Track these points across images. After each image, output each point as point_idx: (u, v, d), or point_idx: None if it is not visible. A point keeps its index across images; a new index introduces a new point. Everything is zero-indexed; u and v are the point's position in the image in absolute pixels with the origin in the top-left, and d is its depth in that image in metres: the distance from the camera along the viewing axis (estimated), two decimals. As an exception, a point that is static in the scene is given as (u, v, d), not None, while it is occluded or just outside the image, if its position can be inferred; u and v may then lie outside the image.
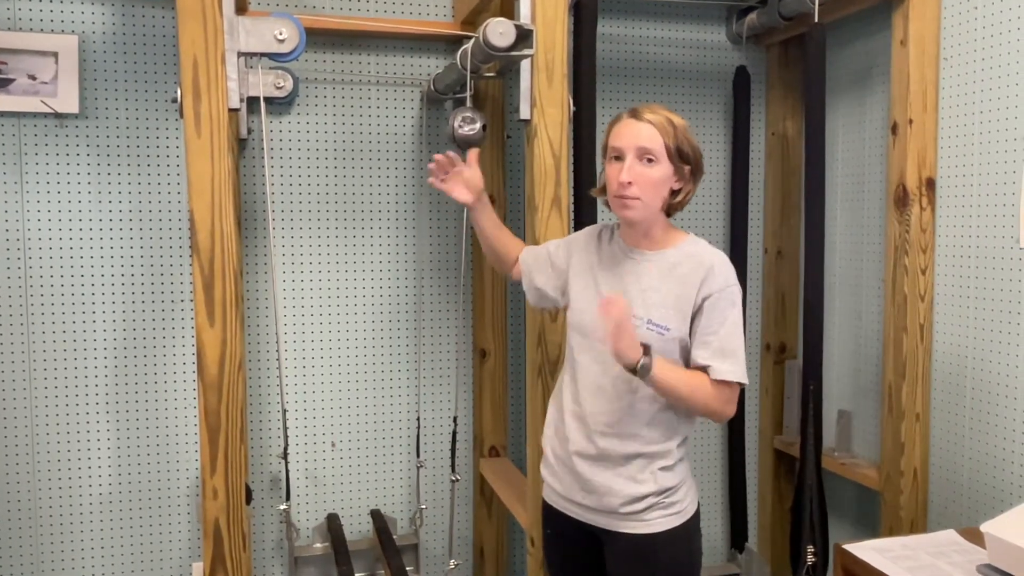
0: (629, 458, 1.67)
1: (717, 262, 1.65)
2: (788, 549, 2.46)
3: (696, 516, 1.74)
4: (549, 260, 1.87)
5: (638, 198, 1.62)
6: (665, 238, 1.71)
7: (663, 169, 1.63)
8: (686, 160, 1.65)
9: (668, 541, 1.69)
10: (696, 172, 1.68)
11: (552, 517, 1.84)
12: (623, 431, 1.67)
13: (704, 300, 1.63)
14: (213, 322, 1.78)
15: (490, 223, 1.97)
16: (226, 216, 1.78)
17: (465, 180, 1.91)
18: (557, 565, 1.88)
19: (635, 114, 1.64)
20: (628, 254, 1.73)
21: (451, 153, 1.90)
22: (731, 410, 1.66)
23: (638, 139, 1.61)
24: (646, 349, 1.55)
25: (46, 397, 2.39)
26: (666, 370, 1.58)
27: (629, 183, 1.61)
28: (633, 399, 1.66)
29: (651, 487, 1.67)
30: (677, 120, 1.64)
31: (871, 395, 2.59)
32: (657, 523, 1.68)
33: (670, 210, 1.70)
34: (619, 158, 1.64)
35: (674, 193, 1.67)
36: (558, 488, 1.79)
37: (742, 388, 1.68)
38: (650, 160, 1.61)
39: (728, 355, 1.62)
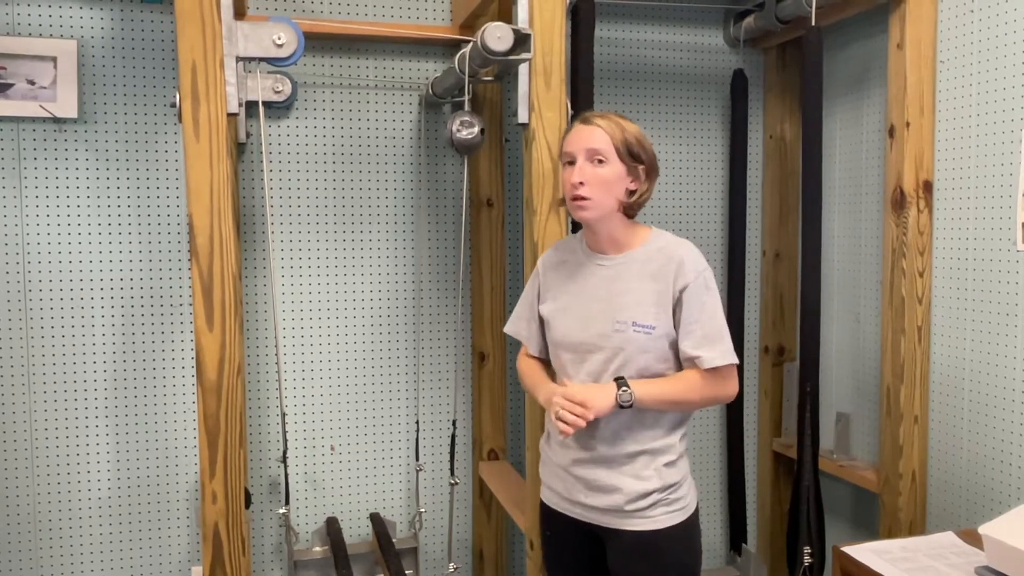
0: (632, 456, 1.69)
1: (685, 253, 1.70)
2: (786, 551, 2.47)
3: (697, 512, 1.77)
4: (530, 308, 1.89)
5: (590, 198, 1.67)
6: (629, 238, 1.75)
7: (614, 169, 1.67)
8: (638, 159, 1.69)
9: (672, 537, 1.71)
10: (651, 172, 1.73)
11: (551, 519, 1.84)
12: (622, 432, 1.69)
13: (681, 292, 1.67)
14: (212, 326, 1.79)
15: None
16: (225, 220, 1.78)
17: None
18: (557, 566, 1.89)
19: (585, 120, 1.71)
20: (597, 261, 1.76)
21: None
22: (733, 389, 1.71)
23: (587, 141, 1.68)
24: (618, 382, 1.64)
25: (45, 401, 2.39)
26: (649, 388, 1.65)
27: (581, 183, 1.66)
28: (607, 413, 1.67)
29: (656, 483, 1.69)
30: (627, 124, 1.70)
31: (869, 397, 2.60)
32: (661, 519, 1.70)
33: (628, 210, 1.74)
34: (572, 162, 1.70)
35: (630, 193, 1.71)
36: (559, 489, 1.80)
37: (740, 380, 1.73)
38: (600, 160, 1.67)
39: (714, 340, 1.66)
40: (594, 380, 1.70)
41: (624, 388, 1.63)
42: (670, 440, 1.71)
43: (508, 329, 1.94)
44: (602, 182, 1.67)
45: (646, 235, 1.75)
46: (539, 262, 1.90)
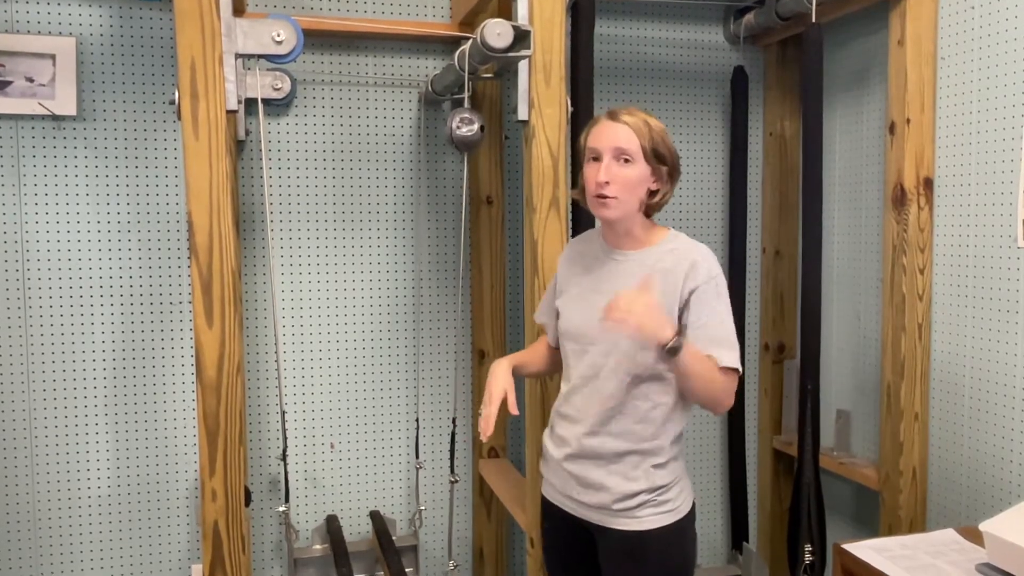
0: (621, 455, 1.69)
1: (699, 256, 1.67)
2: (787, 549, 2.47)
3: (690, 516, 1.74)
4: (550, 300, 1.89)
5: (615, 197, 1.65)
6: (646, 236, 1.74)
7: (639, 169, 1.66)
8: (662, 161, 1.68)
9: (660, 539, 1.69)
10: (673, 173, 1.71)
11: (550, 512, 1.85)
12: (614, 429, 1.69)
13: (691, 294, 1.64)
14: (212, 324, 1.78)
15: (531, 364, 1.92)
16: (224, 218, 1.78)
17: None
18: (556, 560, 1.89)
19: (612, 116, 1.68)
20: (611, 256, 1.76)
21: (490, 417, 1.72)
22: (732, 400, 1.66)
23: (615, 140, 1.65)
24: (679, 329, 1.53)
25: (45, 399, 2.39)
26: (695, 353, 1.56)
27: (607, 183, 1.64)
28: (625, 398, 1.67)
29: (643, 484, 1.68)
30: (654, 122, 1.67)
31: (870, 395, 2.59)
32: (648, 520, 1.69)
33: (648, 210, 1.73)
34: (597, 159, 1.67)
35: (652, 193, 1.70)
36: (556, 484, 1.81)
37: (740, 378, 1.70)
38: (626, 160, 1.65)
39: (723, 344, 1.63)
40: (594, 372, 1.70)
41: (679, 338, 1.51)
42: (661, 442, 1.69)
43: (536, 318, 1.95)
44: (627, 182, 1.65)
45: (663, 235, 1.74)
46: (561, 255, 1.90)
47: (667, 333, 1.51)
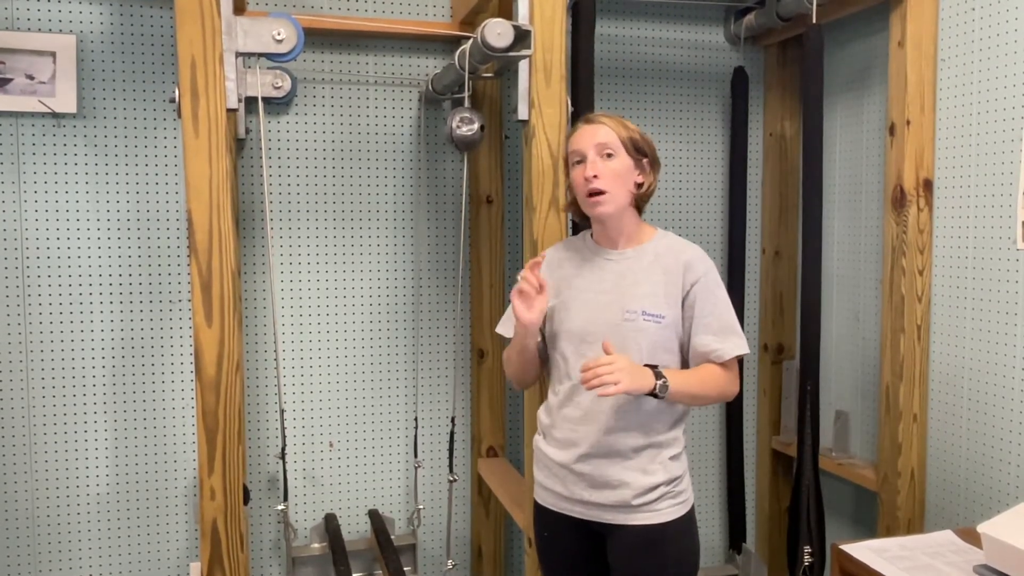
0: (638, 450, 1.71)
1: (692, 251, 1.76)
2: (786, 549, 2.47)
3: (694, 506, 1.80)
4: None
5: (606, 191, 1.70)
6: (639, 234, 1.79)
7: (623, 161, 1.72)
8: (643, 152, 1.75)
9: (676, 530, 1.74)
10: (654, 164, 1.78)
11: (547, 519, 1.84)
12: (630, 426, 1.71)
13: (692, 287, 1.71)
14: (211, 322, 1.78)
15: (533, 359, 1.86)
16: (224, 216, 1.78)
17: (540, 304, 1.72)
18: (554, 566, 1.89)
19: (588, 120, 1.77)
20: (605, 256, 1.79)
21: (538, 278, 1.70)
22: (737, 385, 1.76)
23: (596, 137, 1.72)
24: (656, 371, 1.62)
25: (43, 397, 2.39)
26: (679, 378, 1.66)
27: (595, 176, 1.70)
28: (636, 395, 1.67)
29: (662, 476, 1.71)
30: (628, 123, 1.76)
31: (869, 396, 2.60)
32: (667, 512, 1.73)
33: (639, 203, 1.79)
34: (581, 161, 1.73)
35: (638, 186, 1.76)
36: (557, 489, 1.80)
37: (740, 379, 1.79)
38: (609, 154, 1.71)
39: (730, 332, 1.72)
40: None
41: (662, 380, 1.59)
42: (675, 433, 1.75)
43: (501, 330, 1.92)
44: (614, 174, 1.71)
45: (653, 232, 1.80)
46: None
47: (649, 382, 1.60)
